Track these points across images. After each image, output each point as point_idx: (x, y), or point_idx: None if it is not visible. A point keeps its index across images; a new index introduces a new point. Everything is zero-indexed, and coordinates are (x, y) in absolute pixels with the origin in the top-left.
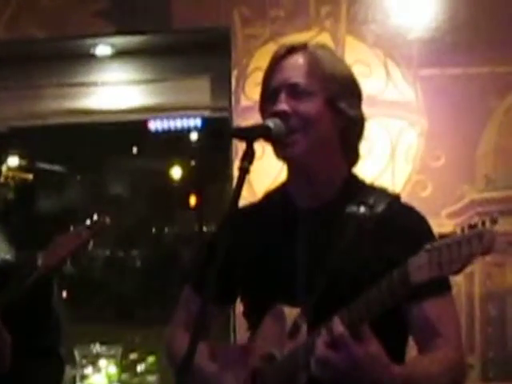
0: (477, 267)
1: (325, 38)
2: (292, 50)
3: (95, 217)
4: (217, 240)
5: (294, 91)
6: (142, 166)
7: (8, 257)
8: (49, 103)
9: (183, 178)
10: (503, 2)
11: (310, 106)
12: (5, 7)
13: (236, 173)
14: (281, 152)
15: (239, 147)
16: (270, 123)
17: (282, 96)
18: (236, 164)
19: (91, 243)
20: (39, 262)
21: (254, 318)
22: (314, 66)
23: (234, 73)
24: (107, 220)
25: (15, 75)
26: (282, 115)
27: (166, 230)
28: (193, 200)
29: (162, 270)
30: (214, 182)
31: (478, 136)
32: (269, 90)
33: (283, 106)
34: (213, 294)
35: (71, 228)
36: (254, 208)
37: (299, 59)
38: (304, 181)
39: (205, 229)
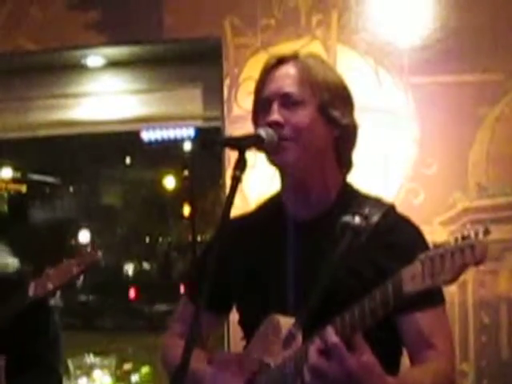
0: (470, 275)
1: (316, 47)
2: (283, 59)
3: (88, 249)
4: (210, 249)
5: (287, 101)
6: (135, 177)
7: (16, 269)
8: (41, 114)
9: (176, 187)
10: (494, 11)
11: (302, 116)
12: None
13: (228, 182)
14: (272, 158)
15: (232, 156)
16: (262, 132)
17: (275, 106)
18: (229, 173)
19: (81, 277)
20: (30, 292)
21: (249, 326)
22: (306, 75)
23: (226, 82)
24: (99, 254)
25: (7, 87)
26: (274, 125)
27: (160, 239)
28: (186, 210)
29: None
30: (207, 191)
31: (469, 143)
32: (261, 101)
33: (276, 116)
34: (207, 303)
35: (64, 261)
36: (248, 217)
37: (291, 69)
38: (298, 190)
39: (199, 238)
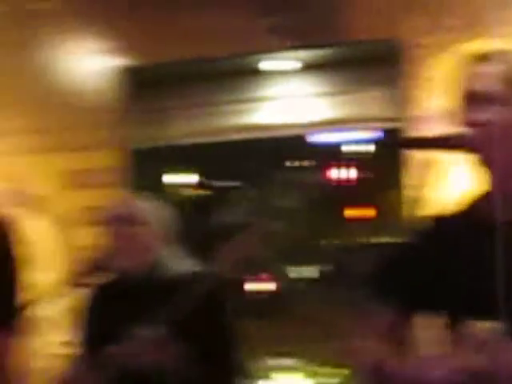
0: None
1: (499, 46)
2: (486, 57)
3: (255, 220)
4: (403, 252)
5: (490, 100)
6: (312, 179)
7: (193, 269)
8: (225, 120)
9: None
10: None
11: (507, 115)
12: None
13: (407, 182)
14: (476, 156)
15: (410, 157)
16: (461, 133)
17: (477, 105)
18: (408, 175)
19: (260, 247)
20: (212, 269)
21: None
22: (511, 74)
23: (407, 83)
24: (269, 223)
25: (194, 93)
26: (477, 125)
27: (333, 241)
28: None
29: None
30: (386, 193)
31: None
32: (464, 99)
33: (479, 115)
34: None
35: (235, 235)
36: (447, 218)
37: (495, 67)
38: (502, 189)
39: (376, 240)
